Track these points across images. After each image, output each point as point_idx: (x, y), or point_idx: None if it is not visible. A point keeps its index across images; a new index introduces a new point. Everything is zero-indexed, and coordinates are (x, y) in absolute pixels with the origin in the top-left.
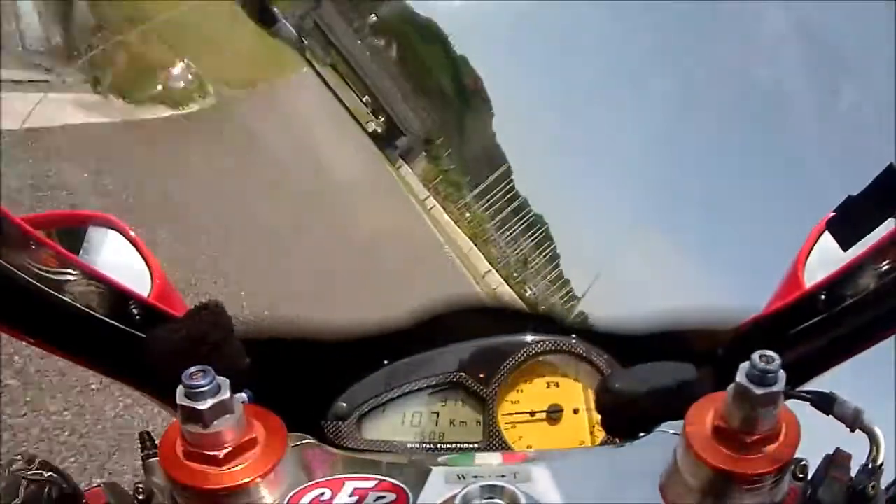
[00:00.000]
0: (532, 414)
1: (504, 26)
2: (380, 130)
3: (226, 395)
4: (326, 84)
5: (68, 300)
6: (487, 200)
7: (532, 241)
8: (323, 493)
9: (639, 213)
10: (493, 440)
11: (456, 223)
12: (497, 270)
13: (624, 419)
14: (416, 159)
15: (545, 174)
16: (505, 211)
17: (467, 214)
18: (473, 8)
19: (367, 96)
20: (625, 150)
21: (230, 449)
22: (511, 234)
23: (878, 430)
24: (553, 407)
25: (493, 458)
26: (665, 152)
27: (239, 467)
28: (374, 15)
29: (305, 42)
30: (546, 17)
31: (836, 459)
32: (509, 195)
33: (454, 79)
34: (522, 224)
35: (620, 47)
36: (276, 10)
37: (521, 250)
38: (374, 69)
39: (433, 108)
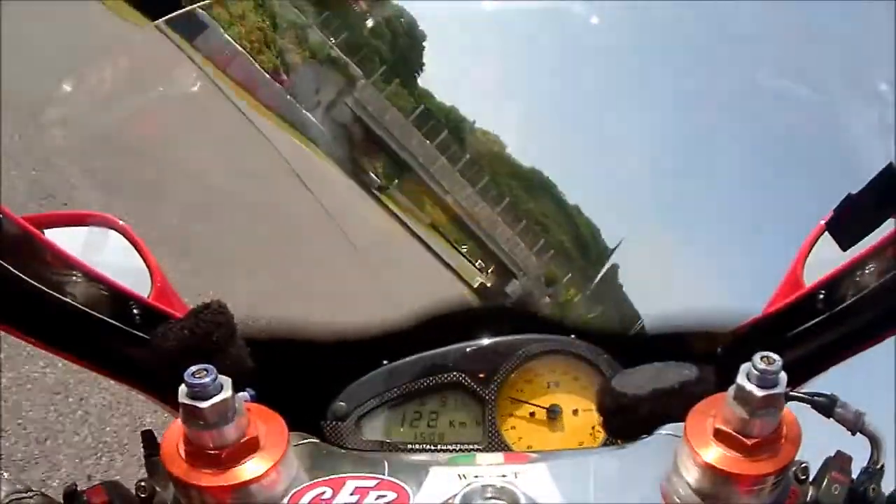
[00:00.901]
0: (532, 414)
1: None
2: (488, 284)
3: (228, 394)
4: (427, 245)
5: (69, 300)
6: None
7: None
8: (324, 492)
9: (639, 212)
10: (493, 441)
11: None
12: None
13: (625, 420)
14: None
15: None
16: None
17: None
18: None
19: (479, 260)
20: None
21: (232, 448)
22: None
23: (879, 434)
24: (553, 407)
25: (493, 458)
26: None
27: (240, 466)
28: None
29: (381, 182)
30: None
31: (837, 461)
32: None
33: (572, 234)
34: None
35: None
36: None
37: None
38: (472, 197)
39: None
